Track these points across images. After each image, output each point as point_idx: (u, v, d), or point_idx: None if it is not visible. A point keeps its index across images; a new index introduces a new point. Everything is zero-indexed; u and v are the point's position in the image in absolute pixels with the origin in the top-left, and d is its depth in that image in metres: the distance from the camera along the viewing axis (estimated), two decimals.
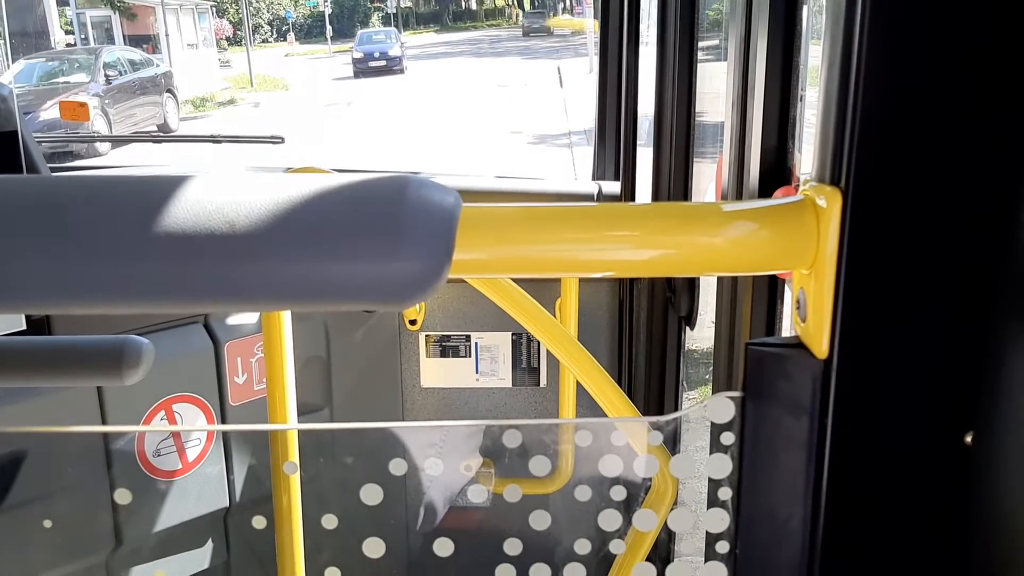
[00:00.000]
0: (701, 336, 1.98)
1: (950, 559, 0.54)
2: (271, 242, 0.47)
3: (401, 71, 26.82)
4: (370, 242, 0.47)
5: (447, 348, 2.27)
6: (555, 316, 2.07)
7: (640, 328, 2.09)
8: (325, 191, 0.49)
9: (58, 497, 1.71)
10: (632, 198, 2.15)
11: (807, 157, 0.56)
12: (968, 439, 0.52)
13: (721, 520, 0.61)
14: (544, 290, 2.08)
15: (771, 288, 1.16)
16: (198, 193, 0.49)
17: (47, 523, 1.59)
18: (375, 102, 18.80)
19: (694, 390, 2.43)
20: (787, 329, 0.59)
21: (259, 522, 0.95)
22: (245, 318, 1.96)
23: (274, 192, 0.49)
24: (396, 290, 0.48)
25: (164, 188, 0.49)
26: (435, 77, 23.19)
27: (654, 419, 0.63)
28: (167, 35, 22.34)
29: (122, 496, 1.57)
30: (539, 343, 2.24)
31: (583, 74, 15.08)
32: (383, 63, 26.90)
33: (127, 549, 1.85)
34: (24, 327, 1.63)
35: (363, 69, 26.83)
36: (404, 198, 0.49)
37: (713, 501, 0.61)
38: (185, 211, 0.48)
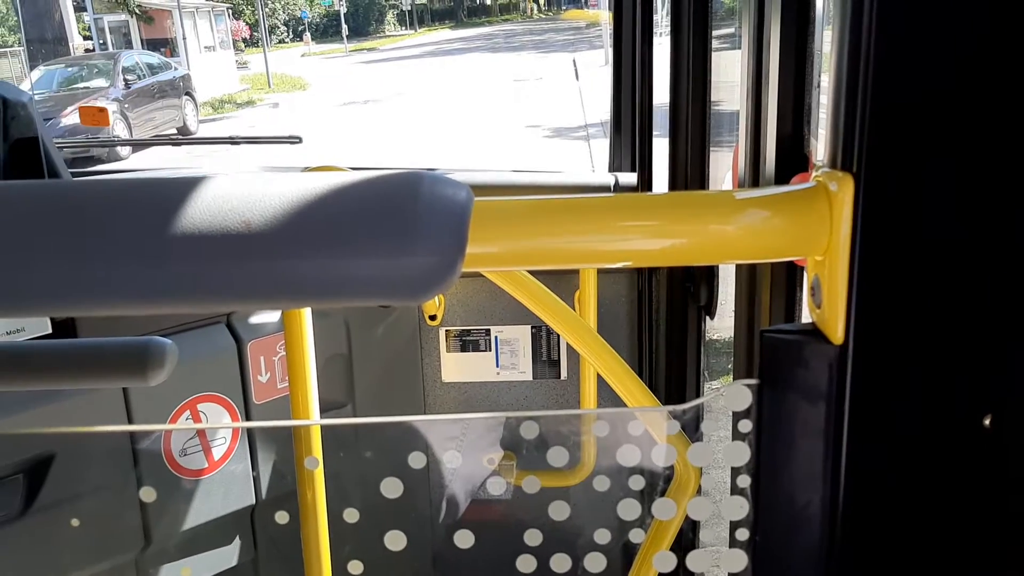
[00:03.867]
0: (723, 326, 1.98)
1: (969, 542, 0.54)
2: (285, 241, 0.48)
3: None
4: (383, 239, 0.48)
5: (467, 342, 2.28)
6: (574, 308, 2.08)
7: (660, 319, 2.09)
8: (338, 189, 0.50)
9: (88, 498, 1.73)
10: (649, 189, 2.15)
11: (823, 144, 0.56)
12: (986, 422, 0.52)
13: (740, 508, 0.61)
14: (563, 283, 2.09)
15: (789, 275, 1.16)
16: (214, 194, 0.50)
17: (75, 522, 1.61)
18: (391, 99, 18.83)
19: (716, 380, 2.43)
20: (806, 316, 0.59)
21: (282, 517, 0.96)
22: (267, 317, 1.98)
23: (287, 191, 0.49)
24: (410, 285, 0.49)
25: (181, 190, 0.50)
26: (453, 77, 23.20)
27: (672, 408, 0.64)
28: (184, 38, 22.46)
29: (150, 495, 1.59)
30: (559, 336, 2.24)
31: (598, 66, 15.04)
32: None
33: (156, 548, 1.87)
34: (50, 331, 1.65)
35: None
36: (417, 194, 0.49)
37: (733, 489, 0.61)
38: (201, 212, 0.49)
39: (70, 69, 15.18)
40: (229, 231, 0.48)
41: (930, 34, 0.48)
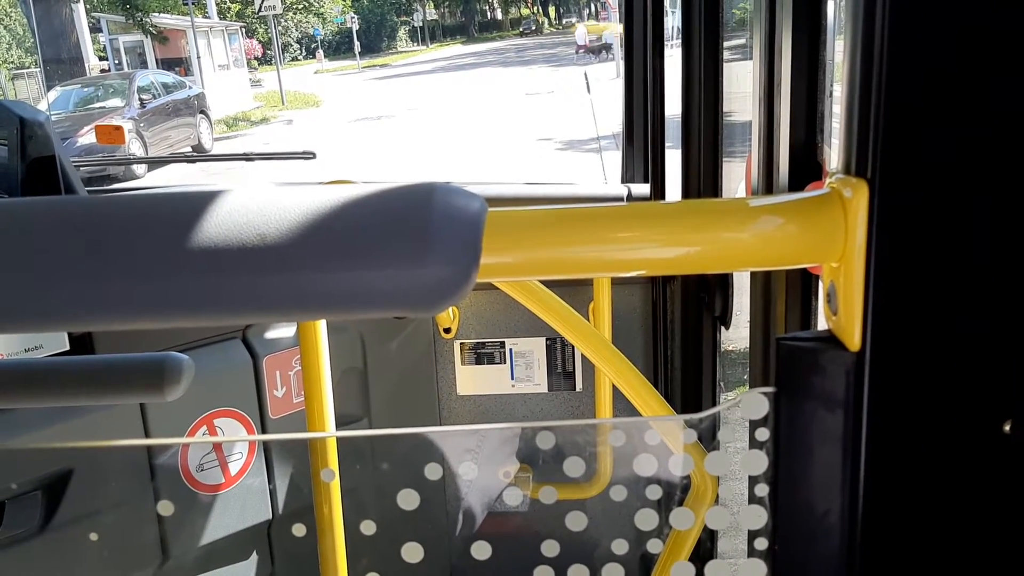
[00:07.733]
0: (738, 336, 1.97)
1: (992, 549, 0.54)
2: (300, 253, 0.48)
3: None
4: (398, 249, 0.48)
5: (482, 355, 2.28)
6: (588, 320, 2.07)
7: (675, 330, 2.08)
8: (352, 201, 0.50)
9: (105, 513, 1.74)
10: (662, 200, 2.14)
11: (837, 151, 0.56)
12: (1007, 428, 0.51)
13: (759, 517, 0.61)
14: (577, 294, 2.08)
15: (804, 283, 1.16)
16: (229, 208, 0.50)
17: (93, 537, 1.62)
18: (404, 114, 18.92)
19: (732, 391, 2.42)
20: (822, 324, 0.59)
21: (299, 529, 0.96)
22: (282, 332, 1.99)
23: (302, 204, 0.50)
24: (426, 296, 0.49)
25: (196, 204, 0.51)
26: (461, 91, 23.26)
27: (688, 416, 0.63)
28: (198, 57, 22.67)
29: (167, 510, 1.59)
30: (573, 347, 2.24)
31: (609, 79, 15.08)
32: None
33: (174, 563, 1.88)
34: (67, 347, 1.66)
35: None
36: (430, 205, 0.49)
37: (751, 498, 0.61)
38: (216, 226, 0.49)
39: (86, 89, 15.34)
40: (244, 244, 0.48)
41: (943, 38, 0.48)
